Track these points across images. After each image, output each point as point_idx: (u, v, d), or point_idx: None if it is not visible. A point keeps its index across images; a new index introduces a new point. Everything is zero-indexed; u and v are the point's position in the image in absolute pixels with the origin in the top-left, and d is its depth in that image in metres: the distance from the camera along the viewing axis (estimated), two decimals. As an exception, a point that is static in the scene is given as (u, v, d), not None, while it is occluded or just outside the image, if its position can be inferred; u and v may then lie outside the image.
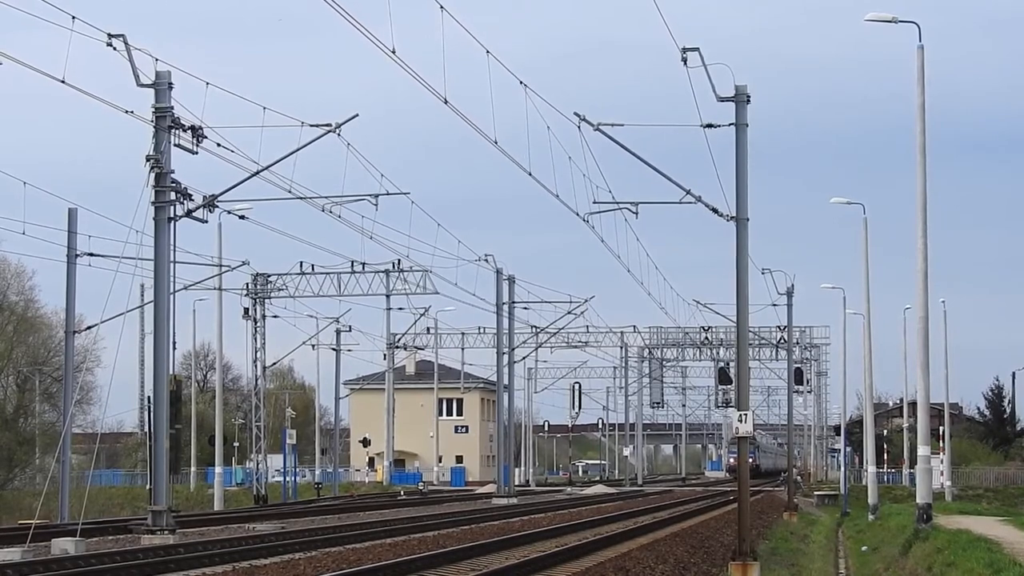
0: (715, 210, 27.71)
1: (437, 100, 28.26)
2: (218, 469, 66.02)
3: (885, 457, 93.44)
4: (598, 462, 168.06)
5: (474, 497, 73.45)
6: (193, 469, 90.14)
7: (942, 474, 74.64)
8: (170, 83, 34.18)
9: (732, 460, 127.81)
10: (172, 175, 34.46)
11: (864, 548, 36.94)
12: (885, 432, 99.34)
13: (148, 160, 33.95)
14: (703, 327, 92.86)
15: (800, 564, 31.16)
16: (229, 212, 40.09)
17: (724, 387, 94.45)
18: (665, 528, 40.41)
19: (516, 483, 77.66)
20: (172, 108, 34.13)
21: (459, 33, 27.05)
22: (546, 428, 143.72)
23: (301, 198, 39.71)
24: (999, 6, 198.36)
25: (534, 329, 77.59)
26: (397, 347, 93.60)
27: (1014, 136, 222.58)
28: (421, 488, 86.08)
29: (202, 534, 36.61)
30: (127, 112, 33.61)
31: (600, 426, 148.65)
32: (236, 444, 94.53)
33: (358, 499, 70.97)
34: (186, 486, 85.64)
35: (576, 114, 28.05)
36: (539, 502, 64.33)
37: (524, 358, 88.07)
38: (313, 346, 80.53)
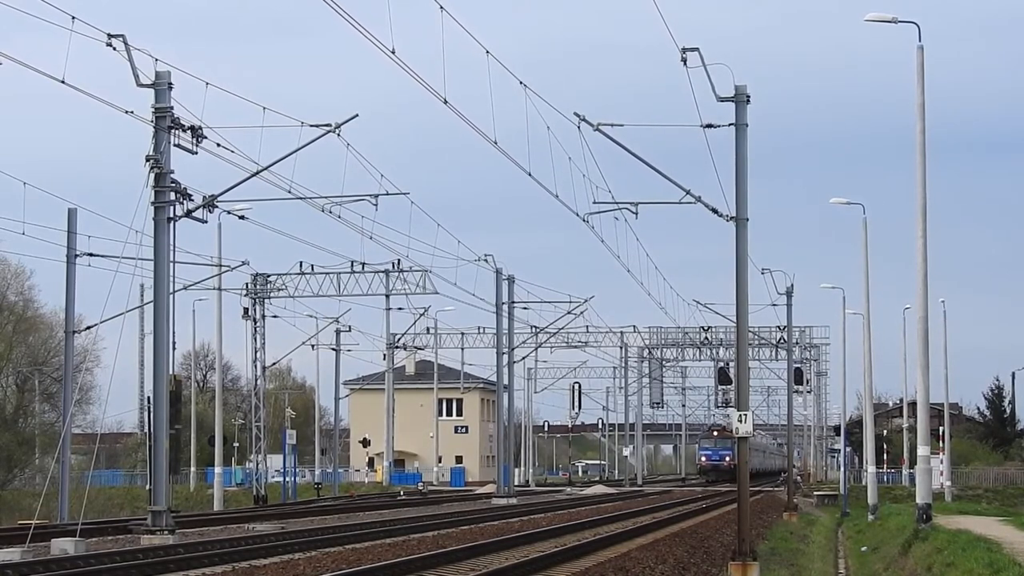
0: (715, 210, 27.70)
1: (437, 100, 28.30)
2: (218, 469, 66.03)
3: (885, 457, 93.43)
4: (598, 462, 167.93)
5: (474, 497, 73.41)
6: (193, 469, 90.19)
7: (942, 474, 74.62)
8: (170, 83, 34.13)
9: (704, 459, 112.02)
10: (172, 175, 34.42)
11: (864, 548, 36.97)
12: (885, 432, 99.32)
13: (148, 160, 33.91)
14: (703, 327, 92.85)
15: (800, 564, 31.16)
16: (229, 212, 40.06)
17: (724, 387, 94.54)
18: (665, 528, 40.37)
19: (516, 483, 77.65)
20: (172, 108, 34.08)
21: (459, 33, 27.08)
22: (546, 428, 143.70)
23: (301, 198, 39.73)
24: (999, 7, 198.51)
25: (534, 329, 77.59)
26: (397, 347, 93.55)
27: (1014, 136, 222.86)
28: (421, 488, 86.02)
29: (202, 534, 36.58)
30: (127, 112, 33.62)
31: (600, 426, 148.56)
32: (236, 444, 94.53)
33: (358, 499, 70.95)
34: (186, 486, 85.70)
35: (576, 114, 28.07)
36: (539, 502, 64.30)
37: (524, 358, 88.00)
38: (313, 346, 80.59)
